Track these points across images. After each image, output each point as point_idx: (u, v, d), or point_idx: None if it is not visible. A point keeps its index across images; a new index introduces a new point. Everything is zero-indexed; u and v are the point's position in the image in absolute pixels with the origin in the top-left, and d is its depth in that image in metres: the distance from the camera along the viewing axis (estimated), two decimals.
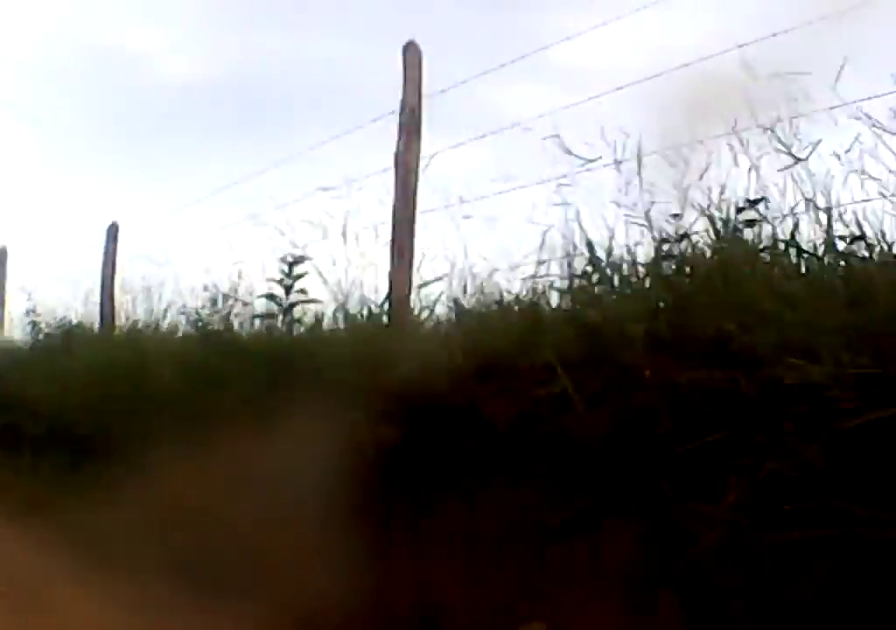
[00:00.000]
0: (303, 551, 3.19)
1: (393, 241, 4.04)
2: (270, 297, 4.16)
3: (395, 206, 4.06)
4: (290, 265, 4.18)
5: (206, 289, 4.76)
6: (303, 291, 4.18)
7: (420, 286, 3.89)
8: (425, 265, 3.94)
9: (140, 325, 5.70)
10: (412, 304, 3.93)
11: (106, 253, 6.79)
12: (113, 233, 6.86)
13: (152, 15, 9.95)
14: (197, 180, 8.11)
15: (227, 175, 5.67)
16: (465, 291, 3.41)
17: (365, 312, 3.94)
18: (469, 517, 2.93)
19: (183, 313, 4.95)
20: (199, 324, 4.65)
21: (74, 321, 6.58)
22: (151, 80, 10.78)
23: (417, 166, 4.08)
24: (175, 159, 9.30)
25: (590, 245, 2.94)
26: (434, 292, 3.81)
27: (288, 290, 4.16)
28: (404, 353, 3.37)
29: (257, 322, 4.27)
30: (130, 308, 5.95)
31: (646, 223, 2.70)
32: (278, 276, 4.20)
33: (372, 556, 3.06)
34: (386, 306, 3.95)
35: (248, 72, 10.47)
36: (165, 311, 5.40)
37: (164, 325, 5.40)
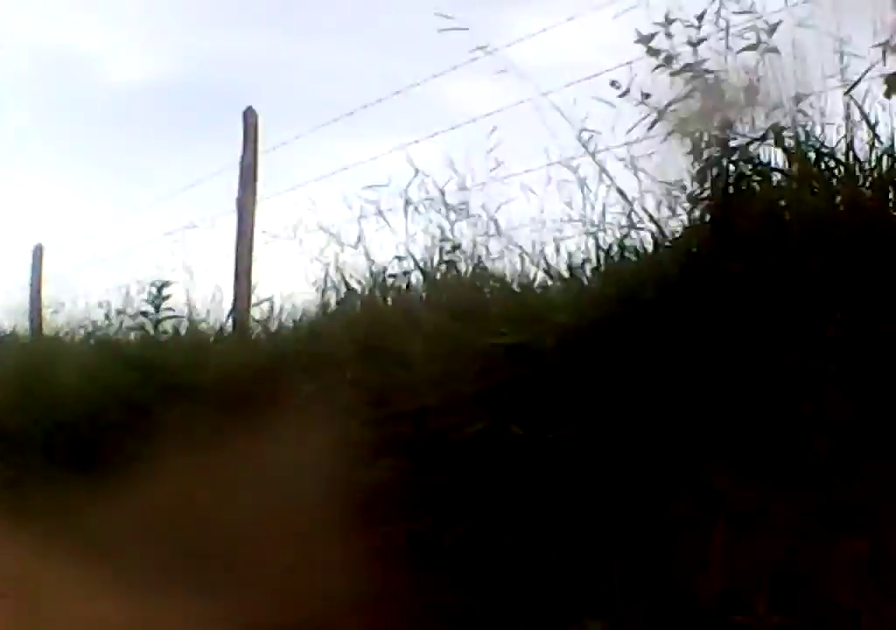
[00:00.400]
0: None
1: (236, 268, 5.12)
2: (143, 313, 5.24)
3: (237, 242, 5.14)
4: (159, 288, 5.25)
5: (100, 305, 5.83)
6: (170, 309, 5.26)
7: (254, 305, 4.98)
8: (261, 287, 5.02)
9: (60, 334, 6.75)
10: (251, 318, 5.02)
11: (33, 270, 7.83)
12: (38, 253, 7.90)
13: (102, 15, 10.45)
14: (146, 186, 8.81)
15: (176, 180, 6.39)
16: (271, 312, 4.51)
17: (214, 325, 5.03)
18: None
19: (82, 327, 6.02)
20: (94, 334, 5.73)
21: (8, 331, 7.62)
22: (103, 83, 11.23)
23: (254, 210, 5.16)
24: (127, 163, 9.87)
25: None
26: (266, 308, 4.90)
27: (157, 308, 5.23)
28: (230, 356, 4.48)
29: (136, 333, 5.34)
30: (51, 320, 7.00)
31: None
32: (150, 297, 5.28)
33: None
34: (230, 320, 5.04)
35: (203, 73, 10.88)
36: (80, 322, 6.46)
37: (79, 334, 6.45)
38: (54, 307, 7.11)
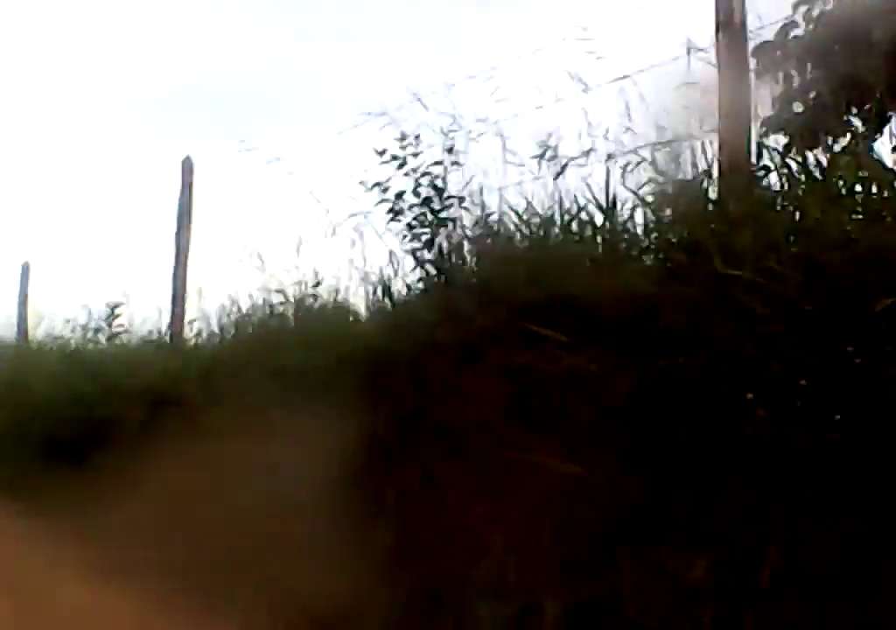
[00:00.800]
0: None
1: (173, 293, 6.25)
2: (97, 329, 6.38)
3: (174, 271, 6.27)
4: (112, 308, 6.39)
5: (68, 321, 6.98)
6: (121, 325, 6.40)
7: (188, 322, 6.11)
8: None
9: (37, 345, 7.91)
10: (186, 333, 6.15)
11: (21, 286, 9.00)
12: (26, 270, 9.07)
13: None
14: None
15: None
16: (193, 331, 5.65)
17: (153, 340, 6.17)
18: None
19: (55, 339, 7.17)
20: (63, 345, 6.88)
21: None
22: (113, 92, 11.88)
23: (188, 244, 6.29)
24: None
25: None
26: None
27: (110, 324, 6.37)
28: (156, 366, 5.60)
29: (92, 345, 6.48)
30: (33, 332, 8.16)
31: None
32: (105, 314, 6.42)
33: None
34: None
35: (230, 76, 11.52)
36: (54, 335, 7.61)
37: (53, 345, 7.59)
38: (37, 321, 8.25)
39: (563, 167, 3.32)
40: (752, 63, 3.78)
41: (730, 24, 3.24)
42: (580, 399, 2.72)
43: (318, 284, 4.64)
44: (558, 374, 2.73)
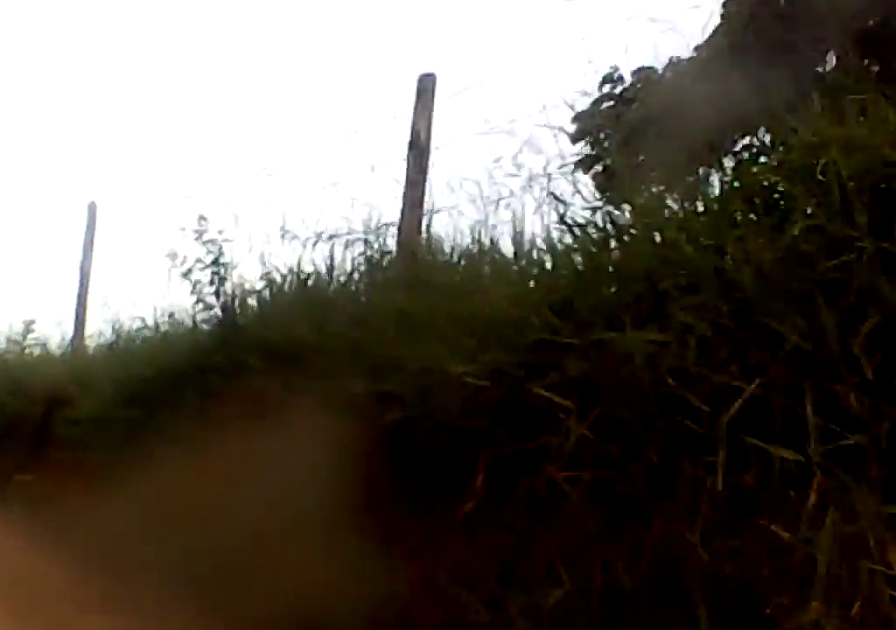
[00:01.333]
0: None
1: (76, 314, 7.70)
2: (15, 342, 7.83)
3: (77, 295, 7.72)
4: (27, 325, 7.85)
5: None
6: (34, 338, 7.86)
7: (87, 337, 7.57)
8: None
9: None
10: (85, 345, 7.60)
11: None
12: None
13: None
14: None
15: None
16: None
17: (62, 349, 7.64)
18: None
19: None
20: None
21: None
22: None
23: (90, 272, 7.74)
24: None
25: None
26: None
27: (25, 337, 7.82)
28: (57, 371, 7.06)
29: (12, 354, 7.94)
30: None
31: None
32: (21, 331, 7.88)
33: None
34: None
35: None
36: None
37: None
38: None
39: (315, 243, 4.80)
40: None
41: (416, 144, 4.71)
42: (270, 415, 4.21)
43: (171, 315, 6.12)
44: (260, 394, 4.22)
